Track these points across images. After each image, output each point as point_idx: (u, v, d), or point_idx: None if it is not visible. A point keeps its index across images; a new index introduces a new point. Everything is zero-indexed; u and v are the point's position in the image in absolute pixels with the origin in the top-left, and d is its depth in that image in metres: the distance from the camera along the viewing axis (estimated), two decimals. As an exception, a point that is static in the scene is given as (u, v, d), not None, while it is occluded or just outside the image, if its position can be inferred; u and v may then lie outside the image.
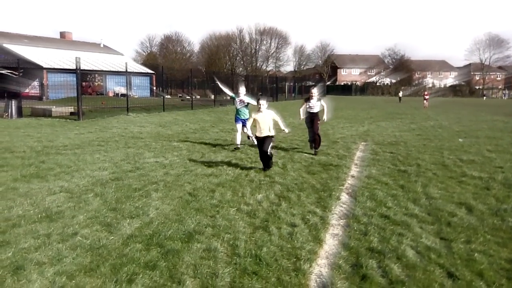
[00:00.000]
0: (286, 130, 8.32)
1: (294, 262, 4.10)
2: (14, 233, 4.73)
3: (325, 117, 10.60)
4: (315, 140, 10.33)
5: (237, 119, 11.21)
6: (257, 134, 8.15)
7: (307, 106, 10.45)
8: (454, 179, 7.65)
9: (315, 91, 10.39)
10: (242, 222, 5.24)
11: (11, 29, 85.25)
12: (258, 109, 8.09)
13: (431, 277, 3.83)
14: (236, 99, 11.16)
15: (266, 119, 8.02)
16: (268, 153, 8.01)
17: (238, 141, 11.02)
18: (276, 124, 8.29)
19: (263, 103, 8.03)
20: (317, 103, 10.34)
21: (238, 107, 11.10)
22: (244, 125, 10.97)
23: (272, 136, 8.12)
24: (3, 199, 6.07)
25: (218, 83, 11.96)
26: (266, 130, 8.01)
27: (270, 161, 8.23)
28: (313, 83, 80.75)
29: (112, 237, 4.64)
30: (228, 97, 11.64)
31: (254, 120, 8.12)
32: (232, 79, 48.23)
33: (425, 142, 12.61)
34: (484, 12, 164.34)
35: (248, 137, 11.31)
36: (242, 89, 11.07)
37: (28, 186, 6.81)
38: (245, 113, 11.16)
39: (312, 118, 10.39)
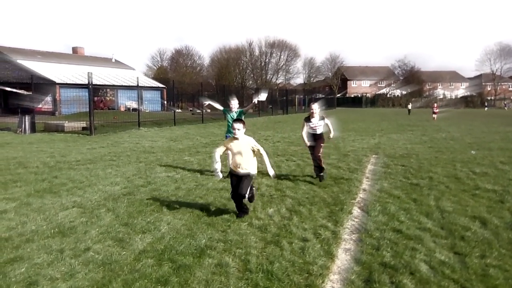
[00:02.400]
0: (271, 173, 5.93)
1: (306, 277, 4.08)
2: (28, 248, 4.78)
3: (331, 134, 8.91)
4: (318, 166, 8.61)
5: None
6: (232, 167, 6.05)
7: (309, 127, 8.61)
8: (467, 192, 7.57)
9: (315, 107, 8.56)
10: (254, 237, 5.23)
11: (24, 45, 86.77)
12: (233, 134, 5.85)
13: (446, 292, 3.78)
14: (229, 114, 8.92)
15: (243, 149, 5.80)
16: (246, 196, 6.00)
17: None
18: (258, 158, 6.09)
19: (239, 126, 5.74)
20: (320, 122, 8.53)
21: (231, 119, 8.81)
22: None
23: (251, 175, 5.97)
24: (17, 214, 6.14)
25: (204, 99, 10.12)
26: (244, 164, 5.85)
27: (244, 205, 6.14)
28: (323, 95, 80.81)
29: (124, 252, 4.66)
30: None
31: (227, 149, 5.98)
32: (242, 92, 48.40)
33: (437, 155, 12.51)
34: (495, 21, 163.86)
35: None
36: (235, 102, 8.94)
37: (41, 201, 6.88)
38: None
39: (315, 140, 8.65)
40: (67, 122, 22.41)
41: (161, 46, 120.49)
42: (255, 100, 9.36)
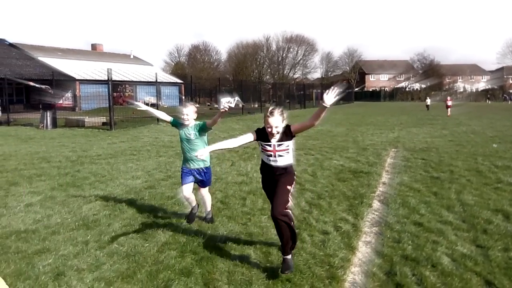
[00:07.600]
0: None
1: (327, 269, 4.10)
2: (54, 240, 4.90)
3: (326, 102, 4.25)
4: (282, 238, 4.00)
5: (185, 173, 5.41)
6: None
7: (263, 152, 4.15)
8: (489, 186, 7.48)
9: (276, 122, 3.95)
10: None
11: (45, 43, 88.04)
12: None
13: (468, 285, 3.77)
14: (182, 130, 5.49)
15: None
16: None
17: (193, 203, 5.56)
18: None
19: None
20: (285, 143, 4.05)
21: (185, 136, 5.44)
22: (199, 183, 5.56)
23: None
24: (42, 207, 6.29)
25: (140, 105, 6.15)
26: None
27: None
28: (341, 89, 79.63)
29: (147, 244, 4.74)
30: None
31: None
32: (259, 87, 48.38)
33: (458, 148, 12.36)
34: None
35: (206, 218, 5.63)
36: (188, 110, 5.38)
37: (65, 195, 7.03)
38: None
39: (275, 179, 4.15)
40: (87, 117, 22.70)
41: (178, 42, 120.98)
42: (225, 106, 4.75)
